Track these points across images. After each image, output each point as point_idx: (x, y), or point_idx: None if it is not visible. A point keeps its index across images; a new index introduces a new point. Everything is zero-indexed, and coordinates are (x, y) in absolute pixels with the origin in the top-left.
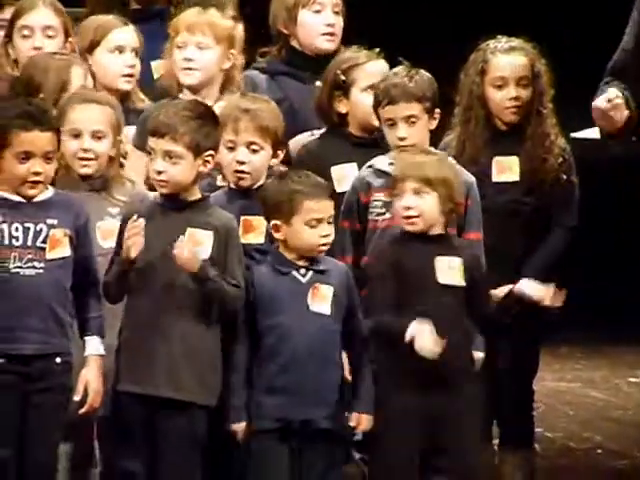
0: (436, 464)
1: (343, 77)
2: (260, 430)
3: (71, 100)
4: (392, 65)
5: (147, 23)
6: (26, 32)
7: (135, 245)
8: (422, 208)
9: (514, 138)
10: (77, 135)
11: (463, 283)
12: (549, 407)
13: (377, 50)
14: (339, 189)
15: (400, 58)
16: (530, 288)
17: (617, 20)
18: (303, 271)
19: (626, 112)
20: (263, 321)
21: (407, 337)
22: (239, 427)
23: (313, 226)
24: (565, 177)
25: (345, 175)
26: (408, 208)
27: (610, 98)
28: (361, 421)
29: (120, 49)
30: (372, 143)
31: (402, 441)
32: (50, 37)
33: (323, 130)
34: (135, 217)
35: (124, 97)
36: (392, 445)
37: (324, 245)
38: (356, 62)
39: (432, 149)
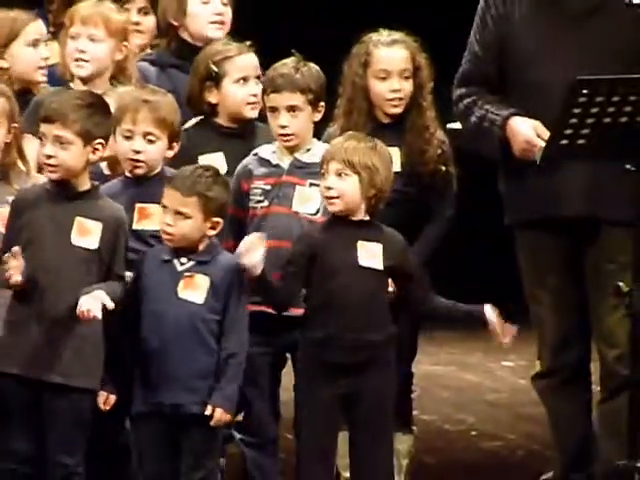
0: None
1: (215, 69)
2: (136, 413)
3: None
4: (285, 56)
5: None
6: None
7: (16, 271)
8: (342, 189)
9: (395, 130)
10: None
11: (381, 267)
12: (425, 390)
13: (248, 43)
14: None
15: (292, 50)
16: None
17: None
18: (184, 260)
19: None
20: (142, 307)
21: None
22: (101, 394)
23: (164, 212)
24: (444, 168)
25: (212, 164)
26: (329, 188)
27: (539, 134)
28: (215, 414)
29: (36, 43)
30: (240, 134)
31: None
32: None
33: (194, 120)
34: (16, 248)
35: (31, 86)
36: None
37: (164, 233)
38: (227, 54)
39: (369, 138)
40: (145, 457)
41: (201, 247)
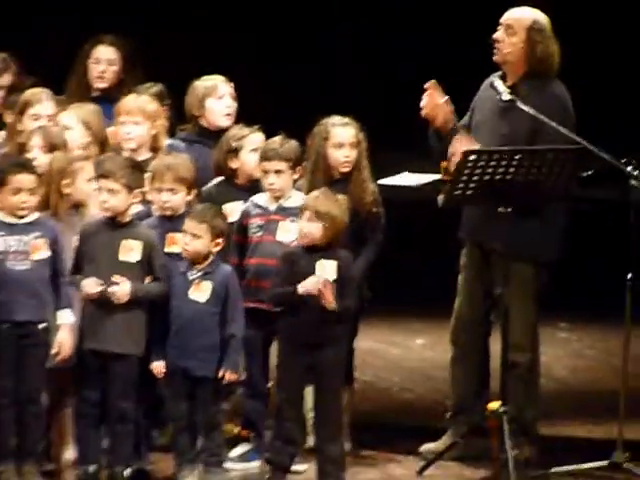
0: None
1: (235, 144)
2: (166, 371)
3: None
4: (275, 134)
5: (104, 103)
6: (35, 118)
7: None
8: (312, 232)
9: (343, 184)
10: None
11: (335, 277)
12: (363, 360)
13: (257, 126)
14: (230, 220)
15: (280, 131)
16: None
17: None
18: (194, 271)
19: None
20: (170, 302)
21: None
22: (153, 365)
23: (184, 235)
24: (375, 209)
25: (233, 210)
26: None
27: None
28: (225, 376)
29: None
30: (252, 188)
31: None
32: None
33: (219, 180)
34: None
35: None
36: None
37: (184, 250)
38: (243, 134)
39: (336, 195)
40: (169, 400)
41: (207, 262)
